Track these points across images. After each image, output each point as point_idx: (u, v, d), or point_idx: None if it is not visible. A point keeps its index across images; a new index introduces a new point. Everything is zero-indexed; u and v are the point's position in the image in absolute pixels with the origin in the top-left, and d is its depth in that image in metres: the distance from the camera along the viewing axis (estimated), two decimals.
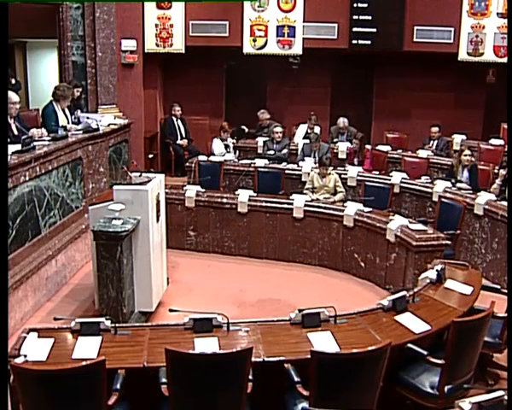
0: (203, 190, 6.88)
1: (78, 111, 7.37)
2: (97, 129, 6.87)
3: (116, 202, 4.76)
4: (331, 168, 6.94)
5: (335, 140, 8.91)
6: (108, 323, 3.49)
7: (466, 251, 6.40)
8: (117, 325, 3.51)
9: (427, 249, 5.31)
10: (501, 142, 8.43)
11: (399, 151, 8.43)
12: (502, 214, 5.91)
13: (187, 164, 7.96)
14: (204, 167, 7.57)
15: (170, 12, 9.28)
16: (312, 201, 6.56)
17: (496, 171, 7.15)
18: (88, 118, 7.03)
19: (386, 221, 5.87)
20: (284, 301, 5.44)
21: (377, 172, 7.58)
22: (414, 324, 3.63)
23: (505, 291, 4.23)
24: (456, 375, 3.39)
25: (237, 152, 8.82)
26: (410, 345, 3.44)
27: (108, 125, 7.29)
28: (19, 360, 3.07)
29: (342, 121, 8.98)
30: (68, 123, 6.71)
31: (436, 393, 3.37)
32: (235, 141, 8.88)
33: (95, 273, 4.78)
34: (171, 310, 3.72)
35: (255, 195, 6.79)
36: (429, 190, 6.90)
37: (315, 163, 7.51)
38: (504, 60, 8.99)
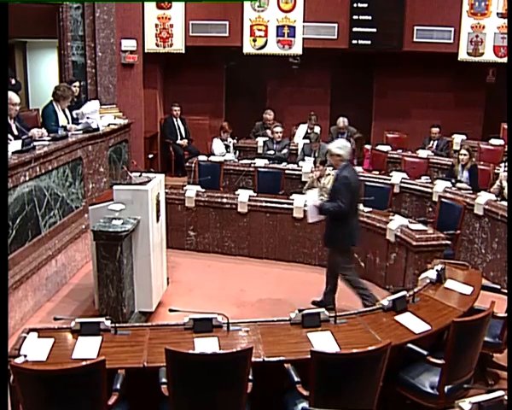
0: (203, 190, 6.88)
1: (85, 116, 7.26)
2: (97, 129, 6.86)
3: (116, 202, 4.75)
4: (330, 168, 6.91)
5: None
6: (108, 323, 3.49)
7: (466, 251, 6.40)
8: (117, 325, 3.51)
9: (427, 249, 5.31)
10: (501, 142, 8.43)
11: (399, 151, 8.42)
12: (502, 214, 5.91)
13: (187, 164, 7.96)
14: (204, 167, 7.57)
15: (170, 12, 9.28)
16: None
17: (496, 170, 7.15)
18: (88, 118, 7.00)
19: (386, 221, 5.87)
20: (284, 301, 5.44)
21: (377, 172, 7.58)
22: (414, 324, 3.63)
23: (505, 291, 4.23)
24: (456, 375, 3.39)
25: (237, 152, 8.82)
26: (410, 345, 3.44)
27: (108, 125, 7.28)
28: (19, 360, 3.07)
29: (342, 121, 8.98)
30: (68, 123, 6.70)
31: (436, 393, 3.37)
32: (235, 141, 8.88)
33: (95, 273, 4.78)
34: (171, 310, 3.72)
35: (255, 195, 6.79)
36: (429, 190, 6.90)
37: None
38: (504, 60, 8.99)
